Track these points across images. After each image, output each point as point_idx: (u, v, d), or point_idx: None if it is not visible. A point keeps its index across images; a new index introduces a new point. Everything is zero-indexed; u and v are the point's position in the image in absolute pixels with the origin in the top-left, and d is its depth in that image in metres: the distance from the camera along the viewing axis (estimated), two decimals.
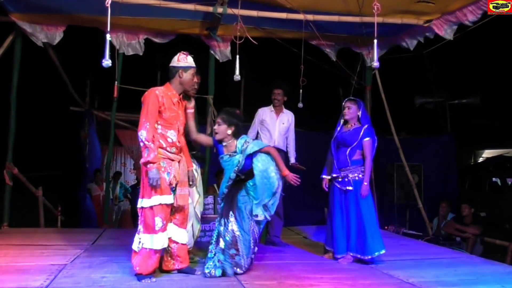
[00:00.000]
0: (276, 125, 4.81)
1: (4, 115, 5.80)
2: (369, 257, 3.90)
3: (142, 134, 3.16)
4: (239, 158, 3.51)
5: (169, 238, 3.35)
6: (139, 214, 3.27)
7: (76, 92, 8.20)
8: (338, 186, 4.07)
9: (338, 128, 4.17)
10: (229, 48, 6.01)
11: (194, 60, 3.43)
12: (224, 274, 3.39)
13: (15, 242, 4.55)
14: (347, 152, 4.03)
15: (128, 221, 8.50)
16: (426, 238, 5.91)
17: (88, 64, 7.87)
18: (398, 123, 6.94)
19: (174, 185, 3.34)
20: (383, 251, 3.91)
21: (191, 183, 3.54)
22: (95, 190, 8.25)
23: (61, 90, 8.02)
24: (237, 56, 4.51)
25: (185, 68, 3.36)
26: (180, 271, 3.46)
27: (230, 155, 3.56)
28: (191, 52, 3.46)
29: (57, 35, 5.64)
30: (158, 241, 3.21)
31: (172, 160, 3.33)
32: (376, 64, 4.12)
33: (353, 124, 4.11)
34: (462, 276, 3.56)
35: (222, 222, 3.52)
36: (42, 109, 9.07)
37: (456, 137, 9.03)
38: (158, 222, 3.20)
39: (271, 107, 4.89)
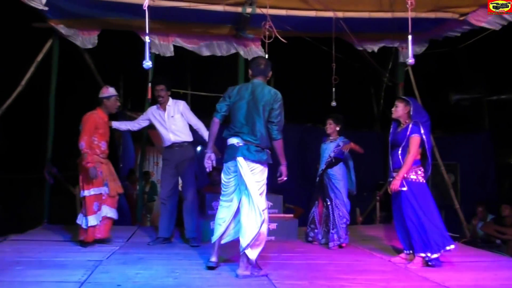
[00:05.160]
0: (166, 120, 4.66)
1: (44, 116, 6.05)
2: (436, 255, 3.74)
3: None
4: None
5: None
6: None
7: None
8: None
9: (392, 129, 4.09)
10: (260, 47, 5.99)
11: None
12: None
13: (54, 238, 4.73)
14: (399, 152, 3.93)
15: None
16: (463, 240, 5.72)
17: (120, 66, 8.08)
18: (433, 120, 6.67)
19: (106, 180, 4.39)
20: (449, 247, 3.77)
21: None
22: (129, 189, 8.45)
23: (95, 92, 8.25)
24: (266, 56, 4.49)
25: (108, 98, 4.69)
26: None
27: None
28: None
29: (92, 40, 5.81)
30: None
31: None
32: (411, 61, 4.01)
33: (404, 123, 4.02)
34: (502, 281, 3.42)
35: None
36: (78, 110, 9.35)
37: (494, 135, 8.68)
38: None
39: (158, 105, 4.76)
